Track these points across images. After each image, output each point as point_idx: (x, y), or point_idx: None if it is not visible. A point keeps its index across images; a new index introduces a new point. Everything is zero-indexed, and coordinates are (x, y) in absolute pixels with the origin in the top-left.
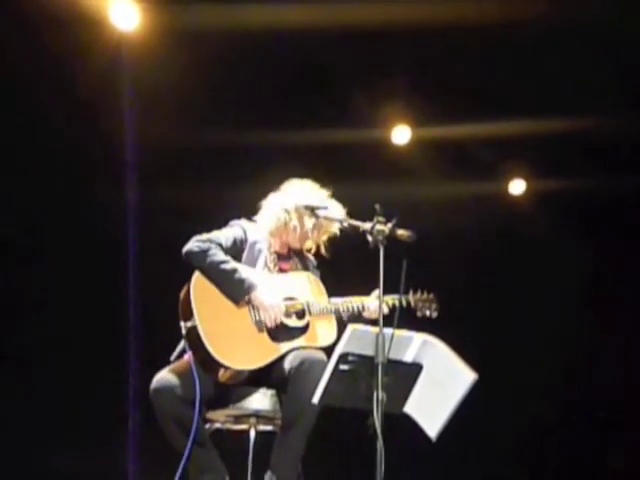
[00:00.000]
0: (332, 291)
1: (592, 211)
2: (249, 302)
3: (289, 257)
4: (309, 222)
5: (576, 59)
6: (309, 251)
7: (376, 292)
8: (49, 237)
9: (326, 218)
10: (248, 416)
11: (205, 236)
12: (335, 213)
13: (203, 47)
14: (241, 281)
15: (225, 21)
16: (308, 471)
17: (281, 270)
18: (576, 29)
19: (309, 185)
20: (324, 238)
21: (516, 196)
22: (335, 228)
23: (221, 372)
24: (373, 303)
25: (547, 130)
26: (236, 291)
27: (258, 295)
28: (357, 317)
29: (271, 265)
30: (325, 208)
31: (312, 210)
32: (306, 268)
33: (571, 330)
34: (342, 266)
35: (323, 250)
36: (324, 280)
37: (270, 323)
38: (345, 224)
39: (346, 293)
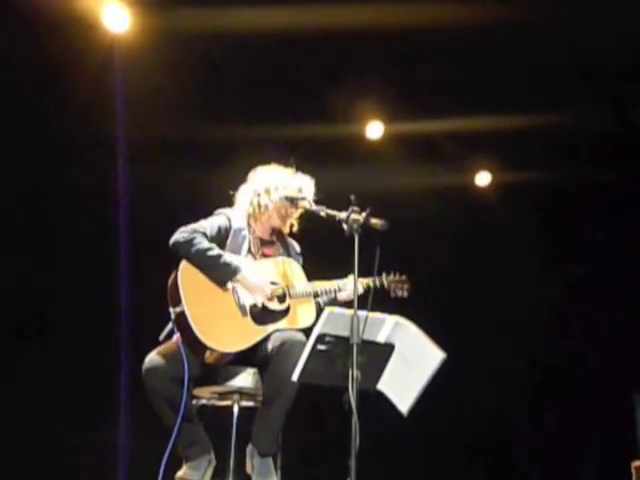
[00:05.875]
0: (312, 276)
1: (553, 202)
2: (237, 283)
3: (272, 242)
4: (282, 199)
5: (539, 58)
6: (289, 234)
7: (351, 276)
8: (45, 230)
9: (305, 207)
10: (232, 393)
11: (190, 226)
12: (307, 193)
13: (189, 48)
14: (227, 265)
15: (210, 24)
16: (286, 444)
17: (264, 255)
18: (539, 29)
19: (273, 167)
20: (296, 214)
21: (482, 187)
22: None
23: (207, 354)
24: (349, 285)
25: (512, 125)
26: (223, 274)
27: (245, 276)
28: (333, 299)
29: (254, 250)
30: (304, 198)
31: (292, 200)
32: (288, 253)
33: (533, 313)
34: (321, 252)
35: (295, 227)
36: (305, 265)
37: (262, 300)
38: (322, 213)
39: (325, 277)
